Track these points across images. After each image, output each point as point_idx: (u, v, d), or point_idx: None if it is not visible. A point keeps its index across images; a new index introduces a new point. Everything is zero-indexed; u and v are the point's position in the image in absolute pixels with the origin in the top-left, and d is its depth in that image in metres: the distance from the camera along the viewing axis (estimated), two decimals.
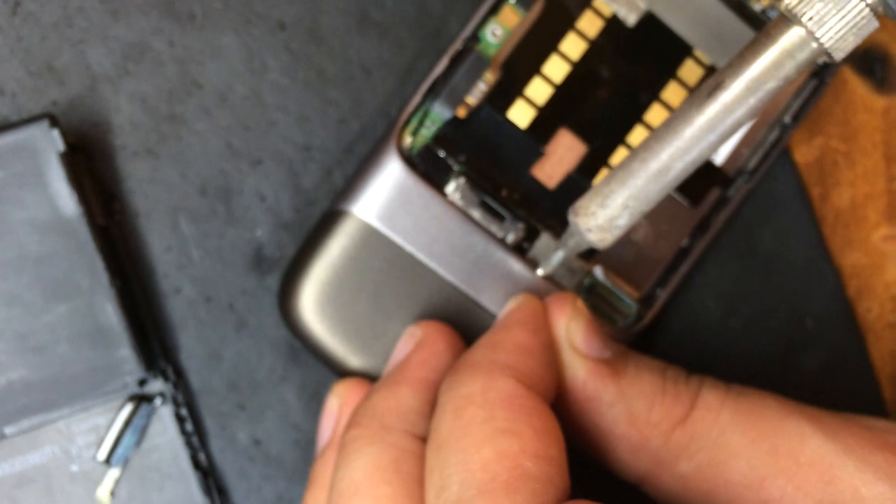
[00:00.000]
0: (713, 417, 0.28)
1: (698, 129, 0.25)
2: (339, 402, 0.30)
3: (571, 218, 0.27)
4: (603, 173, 0.32)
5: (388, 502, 0.25)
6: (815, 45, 0.24)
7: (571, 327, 0.29)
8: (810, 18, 0.23)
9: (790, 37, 0.24)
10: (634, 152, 0.26)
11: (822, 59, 0.24)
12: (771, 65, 0.24)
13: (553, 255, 0.30)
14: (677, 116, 0.25)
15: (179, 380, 0.32)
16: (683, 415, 0.28)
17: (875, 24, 0.23)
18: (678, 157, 0.25)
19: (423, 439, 0.27)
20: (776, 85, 0.24)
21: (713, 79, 0.25)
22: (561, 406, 0.28)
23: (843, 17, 0.23)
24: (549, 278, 0.31)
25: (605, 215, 0.26)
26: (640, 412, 0.28)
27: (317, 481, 0.29)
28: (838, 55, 0.24)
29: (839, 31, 0.23)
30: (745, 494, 0.27)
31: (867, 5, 0.23)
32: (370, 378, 0.31)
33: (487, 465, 0.24)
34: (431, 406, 0.27)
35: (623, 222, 0.26)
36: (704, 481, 0.27)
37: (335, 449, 0.29)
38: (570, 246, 0.29)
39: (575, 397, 0.28)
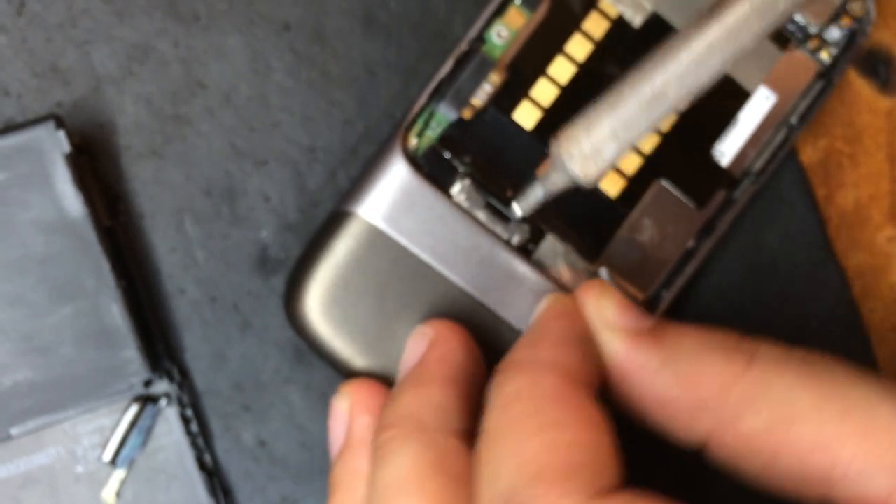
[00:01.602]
0: (775, 375, 0.27)
1: (698, 52, 0.23)
2: (348, 402, 0.30)
3: (554, 148, 0.25)
4: (609, 175, 0.31)
5: (436, 498, 0.25)
6: None
7: (602, 304, 0.29)
8: None
9: None
10: (626, 75, 0.24)
11: None
12: None
13: (531, 191, 0.28)
14: (676, 38, 0.23)
15: (184, 381, 0.32)
16: (740, 371, 0.27)
17: None
18: (673, 83, 0.24)
19: (459, 436, 0.27)
20: (787, 8, 0.23)
21: None
22: (611, 389, 0.28)
23: None
24: (553, 279, 0.31)
25: (590, 143, 0.25)
26: (689, 372, 0.27)
27: (341, 485, 0.29)
28: None
29: None
30: (812, 456, 0.26)
31: None
32: (376, 378, 0.31)
33: (538, 455, 0.24)
34: (460, 402, 0.28)
35: (609, 153, 0.25)
36: (769, 441, 0.27)
37: (354, 451, 0.29)
38: (551, 181, 0.27)
39: (622, 375, 0.28)
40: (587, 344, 0.28)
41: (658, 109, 0.24)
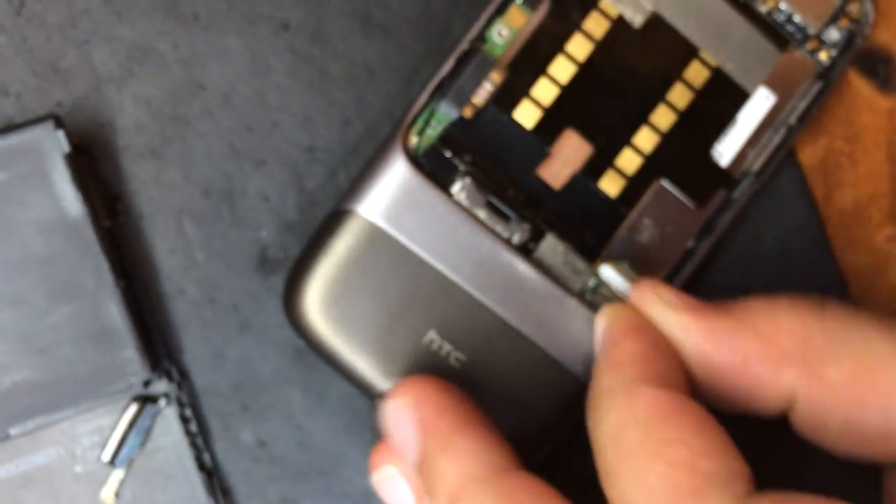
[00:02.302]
0: (850, 326, 0.27)
1: None
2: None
3: None
4: (609, 174, 0.32)
5: None
6: None
7: (661, 293, 0.29)
8: None
9: None
10: None
11: None
12: None
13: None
14: None
15: (184, 381, 0.32)
16: (815, 322, 0.27)
17: None
18: None
19: (510, 467, 0.26)
20: None
21: None
22: (695, 380, 0.28)
23: None
24: (554, 279, 0.31)
25: None
26: (766, 329, 0.27)
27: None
28: None
29: None
30: None
31: None
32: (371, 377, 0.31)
33: (666, 479, 0.24)
34: (486, 439, 0.27)
35: None
36: (854, 388, 0.27)
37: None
38: None
39: (703, 352, 0.28)
40: (664, 344, 0.28)
41: None
